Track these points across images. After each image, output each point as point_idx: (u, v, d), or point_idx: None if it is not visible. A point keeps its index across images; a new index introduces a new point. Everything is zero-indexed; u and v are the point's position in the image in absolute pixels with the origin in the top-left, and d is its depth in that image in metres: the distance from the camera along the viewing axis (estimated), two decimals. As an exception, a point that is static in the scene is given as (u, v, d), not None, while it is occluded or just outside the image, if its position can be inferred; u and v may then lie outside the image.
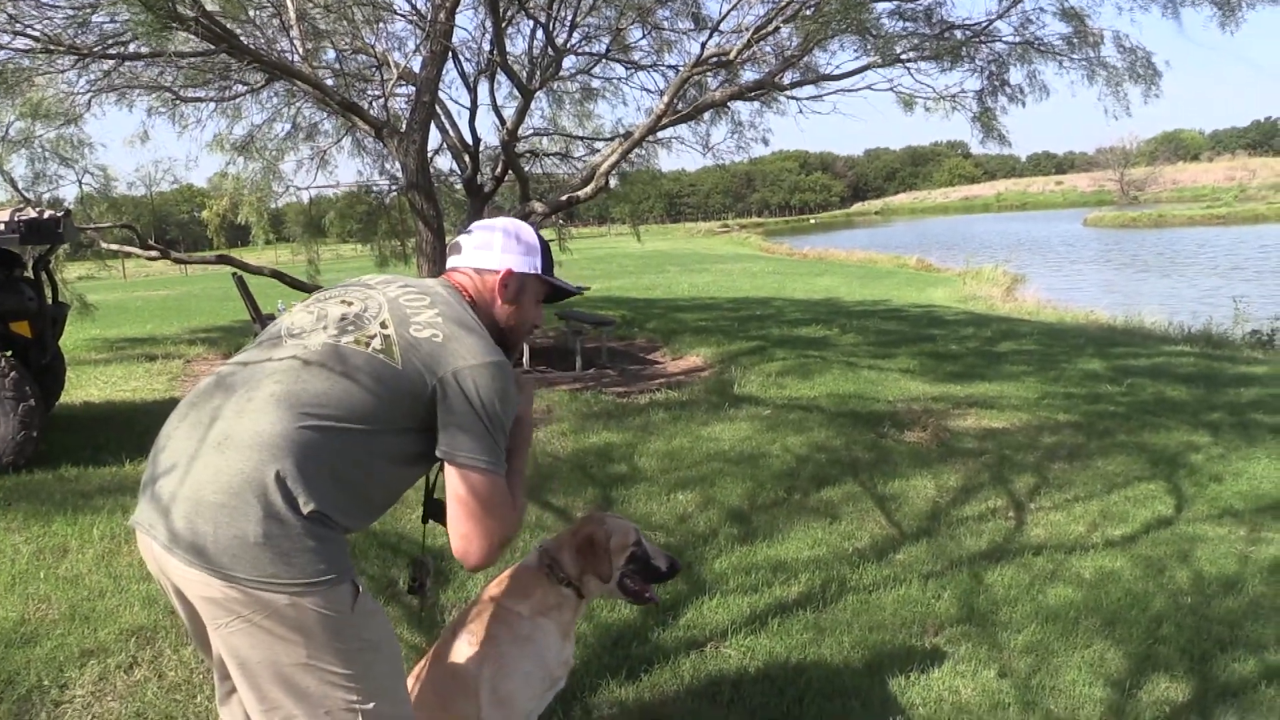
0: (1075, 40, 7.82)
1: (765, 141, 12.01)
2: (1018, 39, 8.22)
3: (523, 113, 8.00)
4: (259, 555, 1.66)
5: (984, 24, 8.17)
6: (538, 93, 8.30)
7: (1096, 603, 3.87)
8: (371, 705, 1.76)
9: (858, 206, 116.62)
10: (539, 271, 2.02)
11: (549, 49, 7.91)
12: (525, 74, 8.97)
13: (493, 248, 1.99)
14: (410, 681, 2.21)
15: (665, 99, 7.37)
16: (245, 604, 1.68)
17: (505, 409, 1.82)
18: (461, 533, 1.80)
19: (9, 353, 5.64)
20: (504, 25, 7.50)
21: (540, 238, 2.07)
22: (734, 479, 5.49)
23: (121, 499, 4.88)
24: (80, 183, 10.72)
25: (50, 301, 6.30)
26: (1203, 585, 4.08)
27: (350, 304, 1.88)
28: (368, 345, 1.80)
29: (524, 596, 2.23)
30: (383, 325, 1.82)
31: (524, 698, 2.16)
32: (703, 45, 7.72)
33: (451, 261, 2.04)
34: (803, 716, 2.99)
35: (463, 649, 2.18)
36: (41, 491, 5.11)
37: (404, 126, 7.94)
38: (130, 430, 6.53)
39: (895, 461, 5.89)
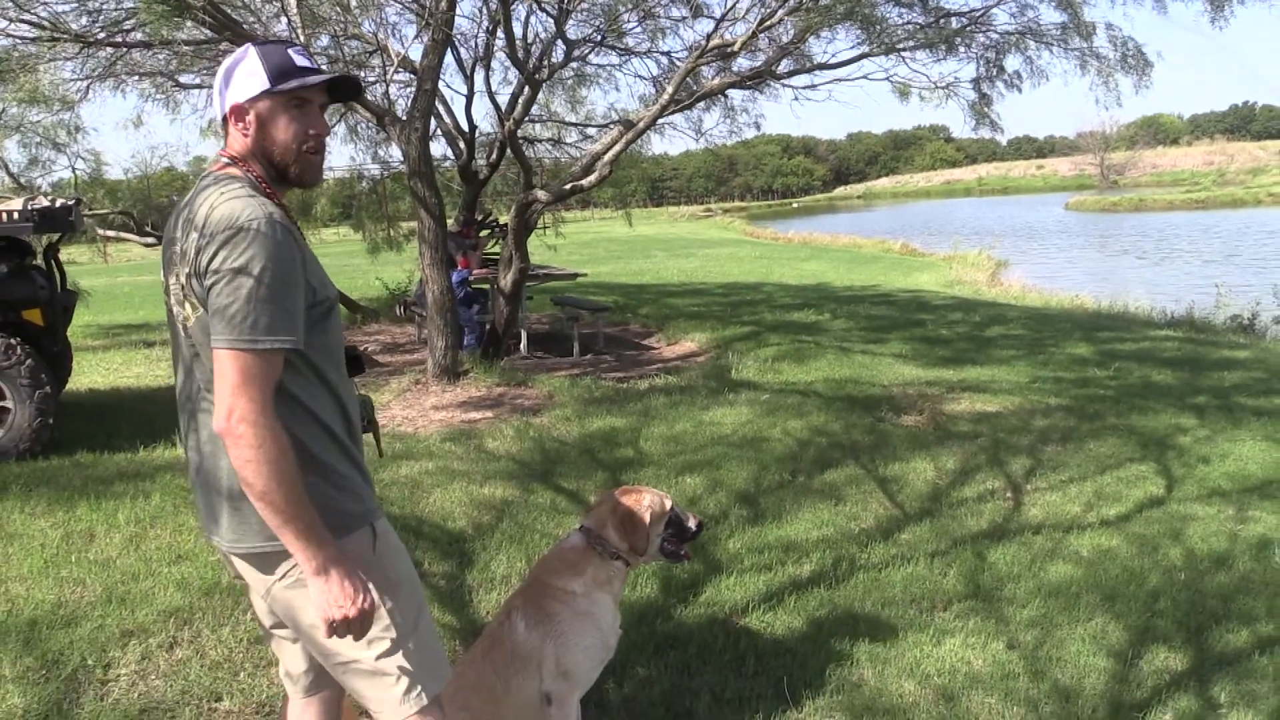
0: (1069, 28, 7.95)
1: (758, 126, 12.03)
2: (1013, 26, 8.36)
3: (530, 103, 8.06)
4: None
5: (979, 11, 8.30)
6: (534, 80, 8.35)
7: (1096, 579, 4.04)
8: (408, 638, 1.90)
9: (840, 190, 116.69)
10: (268, 87, 1.80)
11: (559, 40, 7.96)
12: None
13: (221, 96, 1.86)
14: (467, 665, 2.34)
15: (670, 90, 7.47)
16: (272, 568, 1.85)
17: (273, 269, 1.70)
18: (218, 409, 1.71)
19: (22, 340, 5.70)
20: (509, 14, 7.54)
21: (261, 52, 1.84)
22: (738, 462, 5.62)
23: (141, 484, 4.97)
24: (73, 168, 10.73)
25: (59, 289, 6.35)
26: (1195, 562, 4.26)
27: (175, 275, 1.84)
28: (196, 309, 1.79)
29: (576, 575, 2.36)
30: (182, 282, 1.80)
31: (586, 669, 2.30)
32: (707, 37, 7.81)
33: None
34: (824, 685, 3.14)
35: (520, 629, 2.30)
36: (60, 478, 5.18)
37: (404, 114, 7.99)
38: (139, 417, 6.61)
39: (893, 445, 6.04)
